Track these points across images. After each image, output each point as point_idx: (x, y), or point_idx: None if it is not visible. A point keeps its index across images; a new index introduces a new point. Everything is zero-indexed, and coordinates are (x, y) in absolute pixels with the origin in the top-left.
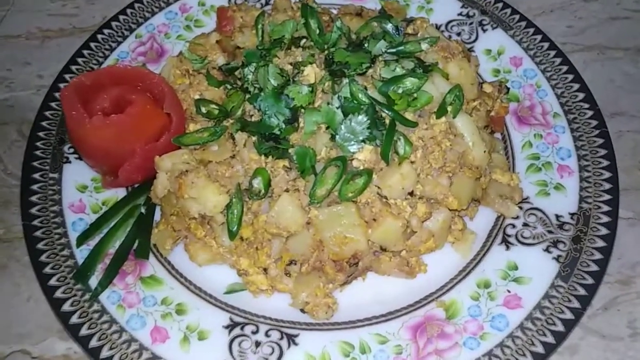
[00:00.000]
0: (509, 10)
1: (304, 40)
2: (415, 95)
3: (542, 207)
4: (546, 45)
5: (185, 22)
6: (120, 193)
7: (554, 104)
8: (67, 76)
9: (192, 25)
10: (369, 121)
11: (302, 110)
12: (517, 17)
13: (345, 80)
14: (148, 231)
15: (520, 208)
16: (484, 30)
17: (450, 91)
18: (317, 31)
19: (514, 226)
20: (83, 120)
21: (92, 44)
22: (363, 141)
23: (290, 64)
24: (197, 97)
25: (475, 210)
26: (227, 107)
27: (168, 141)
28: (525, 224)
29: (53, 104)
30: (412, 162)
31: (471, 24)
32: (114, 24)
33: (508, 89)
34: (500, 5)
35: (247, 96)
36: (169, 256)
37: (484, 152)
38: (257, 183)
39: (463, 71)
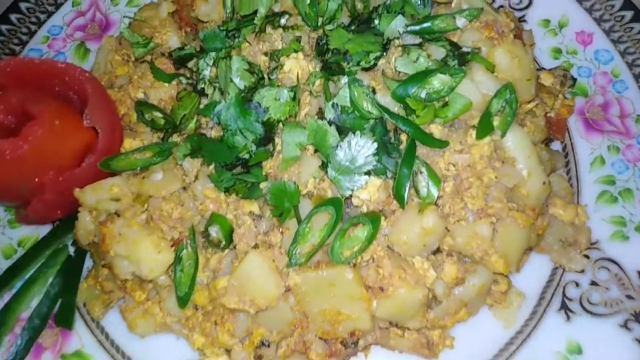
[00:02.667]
0: None
1: (285, 17)
2: (446, 99)
3: (618, 257)
4: (628, 15)
5: None
6: (43, 229)
7: (637, 103)
8: None
9: None
10: (376, 144)
11: (280, 125)
12: None
13: (344, 79)
14: (75, 286)
15: (587, 258)
16: None
17: (498, 93)
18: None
19: (577, 285)
20: None
21: (13, 16)
22: (367, 173)
23: (265, 54)
24: (140, 96)
25: (524, 260)
26: (176, 116)
27: (94, 166)
28: (593, 283)
29: None
30: (439, 198)
31: None
32: None
33: (575, 80)
34: None
35: (204, 102)
36: (103, 320)
37: (543, 183)
38: (215, 232)
39: (517, 60)
